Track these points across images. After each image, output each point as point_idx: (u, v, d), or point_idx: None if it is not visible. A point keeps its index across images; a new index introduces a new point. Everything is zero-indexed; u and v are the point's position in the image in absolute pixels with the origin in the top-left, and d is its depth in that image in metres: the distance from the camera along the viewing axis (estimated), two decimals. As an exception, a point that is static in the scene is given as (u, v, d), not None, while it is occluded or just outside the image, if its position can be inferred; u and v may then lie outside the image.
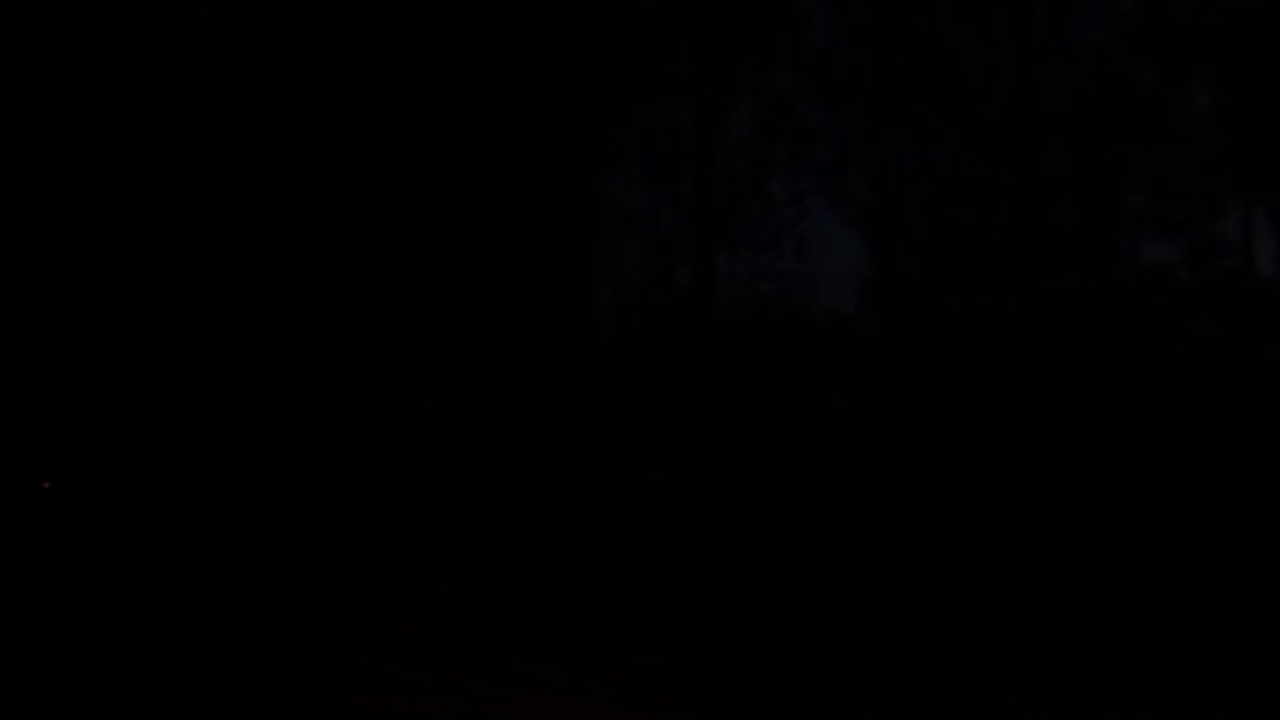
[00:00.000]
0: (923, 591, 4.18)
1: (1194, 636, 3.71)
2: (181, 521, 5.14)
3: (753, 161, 4.19)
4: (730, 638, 4.10)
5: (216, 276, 4.34)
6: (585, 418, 4.23)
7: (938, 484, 4.39)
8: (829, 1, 4.16)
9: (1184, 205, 3.83)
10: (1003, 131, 3.93)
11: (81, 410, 4.59)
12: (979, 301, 4.06)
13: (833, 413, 4.15)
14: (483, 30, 4.46)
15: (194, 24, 4.34)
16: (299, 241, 4.21)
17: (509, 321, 4.34)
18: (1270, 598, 3.88)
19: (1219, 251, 3.80)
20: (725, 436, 4.27)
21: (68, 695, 3.45)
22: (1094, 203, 3.98)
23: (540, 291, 4.41)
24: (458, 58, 4.50)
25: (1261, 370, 3.94)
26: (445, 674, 3.65)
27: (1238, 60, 3.98)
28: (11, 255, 4.46)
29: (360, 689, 3.49)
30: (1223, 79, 3.99)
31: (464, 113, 4.45)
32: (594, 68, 4.52)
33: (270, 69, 4.23)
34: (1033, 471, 4.23)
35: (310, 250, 4.26)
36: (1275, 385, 3.95)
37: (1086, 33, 4.06)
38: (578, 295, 4.30)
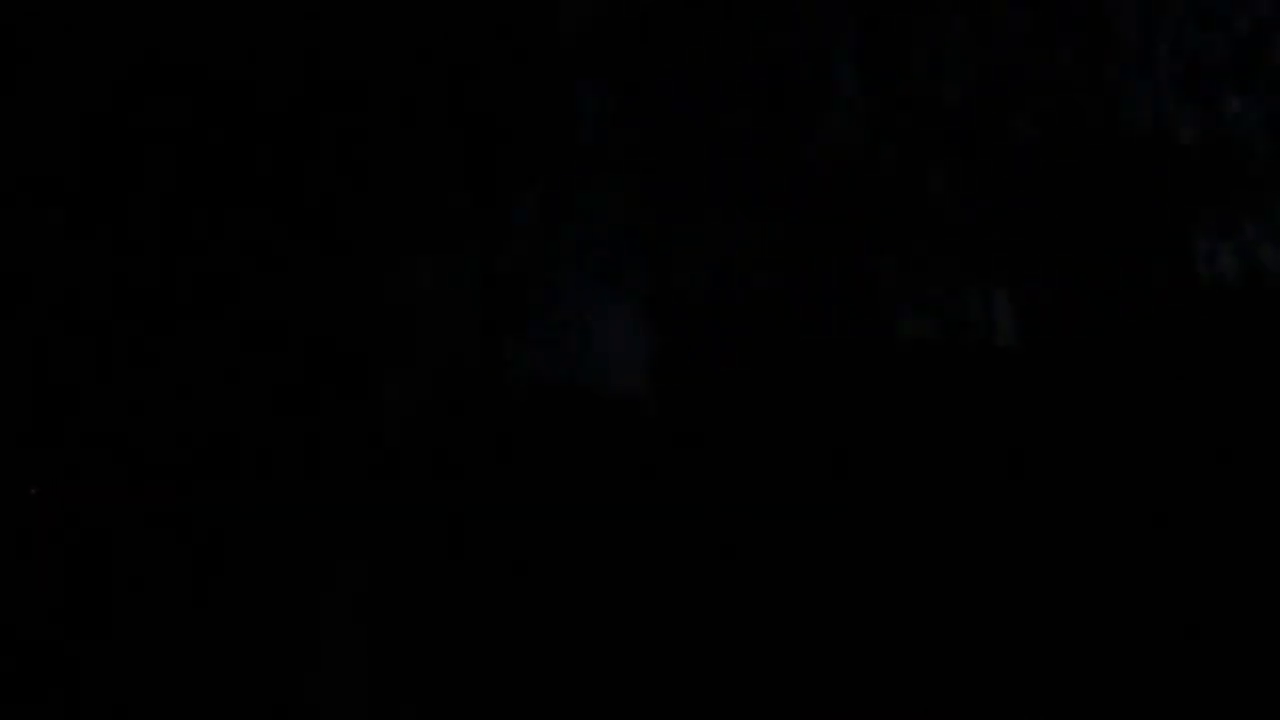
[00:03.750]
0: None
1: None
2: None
3: (536, 251, 4.36)
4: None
5: None
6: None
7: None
8: (599, 90, 4.37)
9: (934, 282, 4.14)
10: (762, 210, 4.21)
11: None
12: (764, 377, 4.30)
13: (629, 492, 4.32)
14: (244, 110, 4.54)
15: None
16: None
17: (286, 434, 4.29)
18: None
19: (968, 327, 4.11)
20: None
21: None
22: (848, 278, 4.30)
23: (317, 401, 4.44)
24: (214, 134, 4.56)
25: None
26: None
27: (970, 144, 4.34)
28: None
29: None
30: (957, 163, 4.34)
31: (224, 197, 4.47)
32: (369, 161, 4.63)
33: None
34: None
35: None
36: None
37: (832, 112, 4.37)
38: (359, 401, 4.38)
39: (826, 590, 4.32)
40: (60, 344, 4.52)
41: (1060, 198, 4.73)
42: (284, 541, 4.45)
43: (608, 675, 4.33)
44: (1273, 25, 4.70)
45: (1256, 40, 4.67)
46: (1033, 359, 4.55)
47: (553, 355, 4.61)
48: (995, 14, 4.69)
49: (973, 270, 4.55)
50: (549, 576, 4.47)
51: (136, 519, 4.38)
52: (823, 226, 4.48)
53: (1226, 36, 4.69)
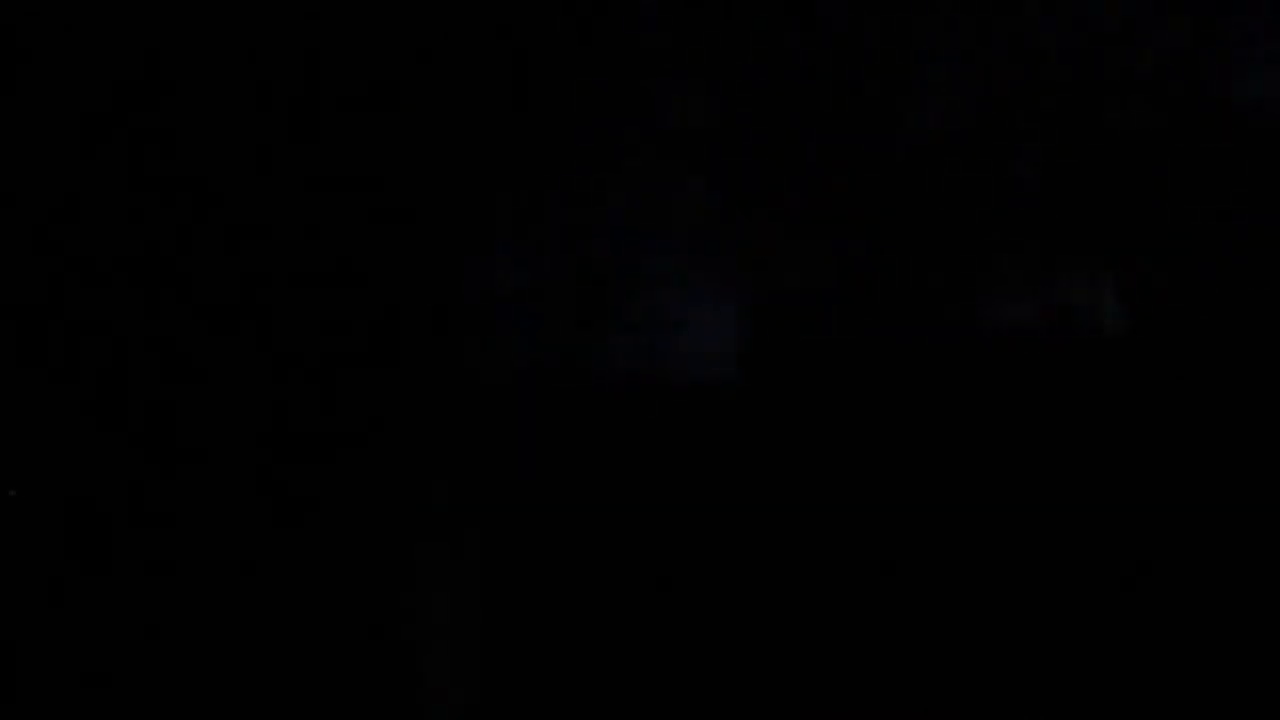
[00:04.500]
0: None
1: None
2: None
3: (626, 243, 4.31)
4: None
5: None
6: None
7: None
8: (688, 81, 4.29)
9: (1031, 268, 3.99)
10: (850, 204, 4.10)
11: None
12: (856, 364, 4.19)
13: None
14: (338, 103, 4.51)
15: None
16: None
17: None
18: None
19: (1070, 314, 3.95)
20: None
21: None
22: (952, 265, 4.16)
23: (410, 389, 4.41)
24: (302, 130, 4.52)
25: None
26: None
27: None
28: None
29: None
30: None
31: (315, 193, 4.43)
32: (460, 153, 4.57)
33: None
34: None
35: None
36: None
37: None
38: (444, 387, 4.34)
39: (917, 579, 4.21)
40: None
41: (1170, 178, 4.57)
42: (405, 521, 4.46)
43: (689, 655, 4.27)
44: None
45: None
46: (1140, 345, 4.39)
47: (641, 347, 4.54)
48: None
49: (1075, 255, 4.40)
50: (640, 559, 4.39)
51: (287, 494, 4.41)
52: (913, 213, 4.36)
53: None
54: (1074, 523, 4.18)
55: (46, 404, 4.50)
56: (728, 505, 4.41)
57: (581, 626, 4.28)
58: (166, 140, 4.55)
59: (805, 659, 4.26)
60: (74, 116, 4.54)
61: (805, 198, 4.55)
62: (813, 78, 4.57)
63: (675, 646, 4.24)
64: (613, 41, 4.59)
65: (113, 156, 4.63)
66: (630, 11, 4.63)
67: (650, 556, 4.44)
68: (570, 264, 4.58)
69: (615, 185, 4.61)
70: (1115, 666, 4.11)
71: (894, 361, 4.36)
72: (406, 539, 4.34)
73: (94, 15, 4.49)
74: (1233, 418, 4.22)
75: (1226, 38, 4.47)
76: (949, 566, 4.28)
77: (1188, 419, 4.31)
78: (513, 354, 4.50)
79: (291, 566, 4.31)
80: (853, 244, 4.45)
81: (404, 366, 4.42)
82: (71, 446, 4.50)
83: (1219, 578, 4.07)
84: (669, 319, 4.50)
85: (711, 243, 4.59)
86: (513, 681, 4.28)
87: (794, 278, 4.60)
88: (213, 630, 4.22)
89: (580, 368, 4.51)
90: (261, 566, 4.33)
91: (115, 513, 4.52)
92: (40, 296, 4.52)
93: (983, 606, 4.29)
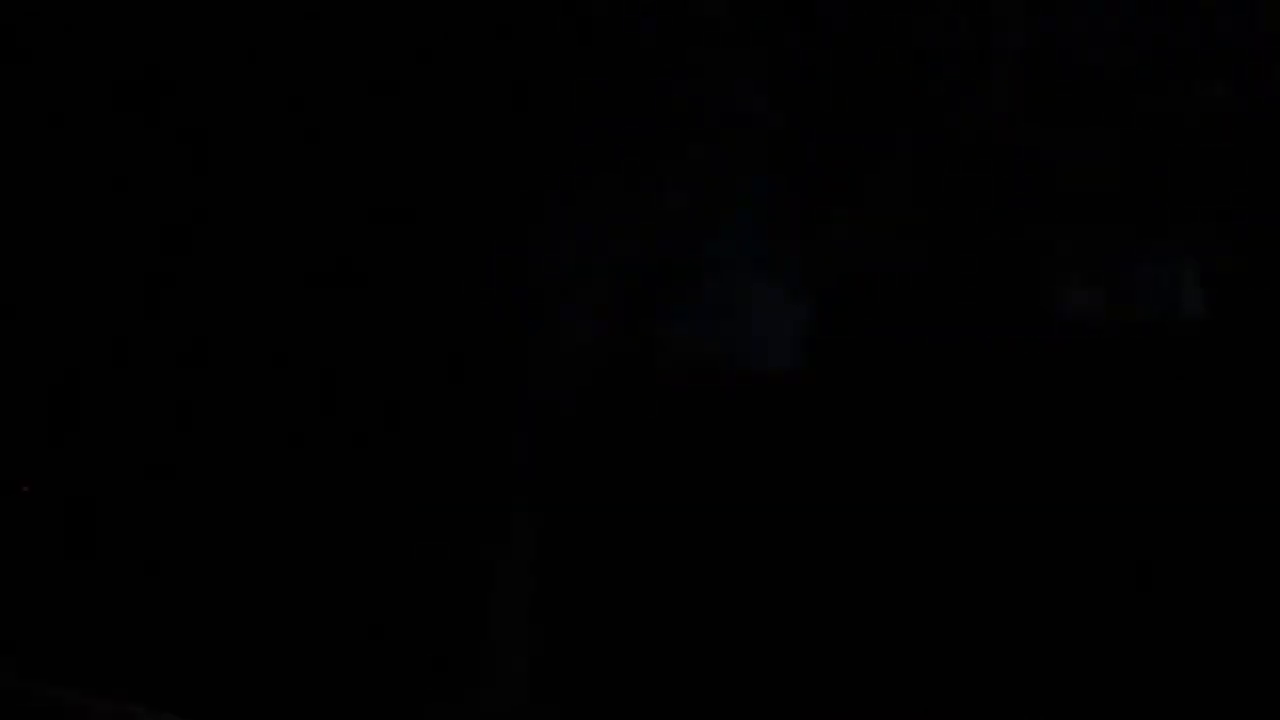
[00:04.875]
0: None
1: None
2: None
3: (687, 229, 4.24)
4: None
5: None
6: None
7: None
8: (753, 70, 4.20)
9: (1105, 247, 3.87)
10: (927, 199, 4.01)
11: None
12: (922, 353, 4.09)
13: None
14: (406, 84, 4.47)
15: None
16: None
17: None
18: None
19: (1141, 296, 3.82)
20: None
21: None
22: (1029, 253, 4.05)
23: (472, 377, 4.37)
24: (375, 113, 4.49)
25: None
26: None
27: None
28: None
29: None
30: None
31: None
32: (516, 137, 4.52)
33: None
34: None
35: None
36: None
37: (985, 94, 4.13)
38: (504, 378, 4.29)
39: (989, 577, 4.11)
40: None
41: (1255, 158, 4.44)
42: (461, 509, 4.46)
43: (746, 647, 4.21)
44: None
45: None
46: (1219, 332, 4.25)
47: (704, 334, 4.46)
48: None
49: (1152, 239, 4.26)
50: (699, 550, 4.34)
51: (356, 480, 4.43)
52: (981, 197, 4.23)
53: None
54: (1151, 517, 4.05)
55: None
56: (793, 499, 4.33)
57: (643, 621, 4.23)
58: (232, 137, 4.53)
59: (872, 656, 4.18)
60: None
61: (873, 182, 4.45)
62: (879, 56, 4.46)
63: (736, 641, 4.17)
64: (673, 22, 4.51)
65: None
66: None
67: (715, 550, 4.37)
68: (632, 251, 4.51)
69: (678, 169, 4.53)
70: (1221, 665, 3.99)
71: (962, 351, 4.25)
72: (465, 532, 4.31)
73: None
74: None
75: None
76: (1023, 564, 4.18)
77: (1271, 410, 4.17)
78: (574, 341, 4.45)
79: (358, 551, 4.30)
80: (922, 229, 4.35)
81: (465, 355, 4.39)
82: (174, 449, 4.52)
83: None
84: (733, 306, 4.43)
85: (777, 229, 4.50)
86: (569, 674, 4.24)
87: (862, 264, 4.51)
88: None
89: (644, 356, 4.45)
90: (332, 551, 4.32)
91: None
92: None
93: (1059, 605, 4.18)
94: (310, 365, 4.37)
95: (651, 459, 4.30)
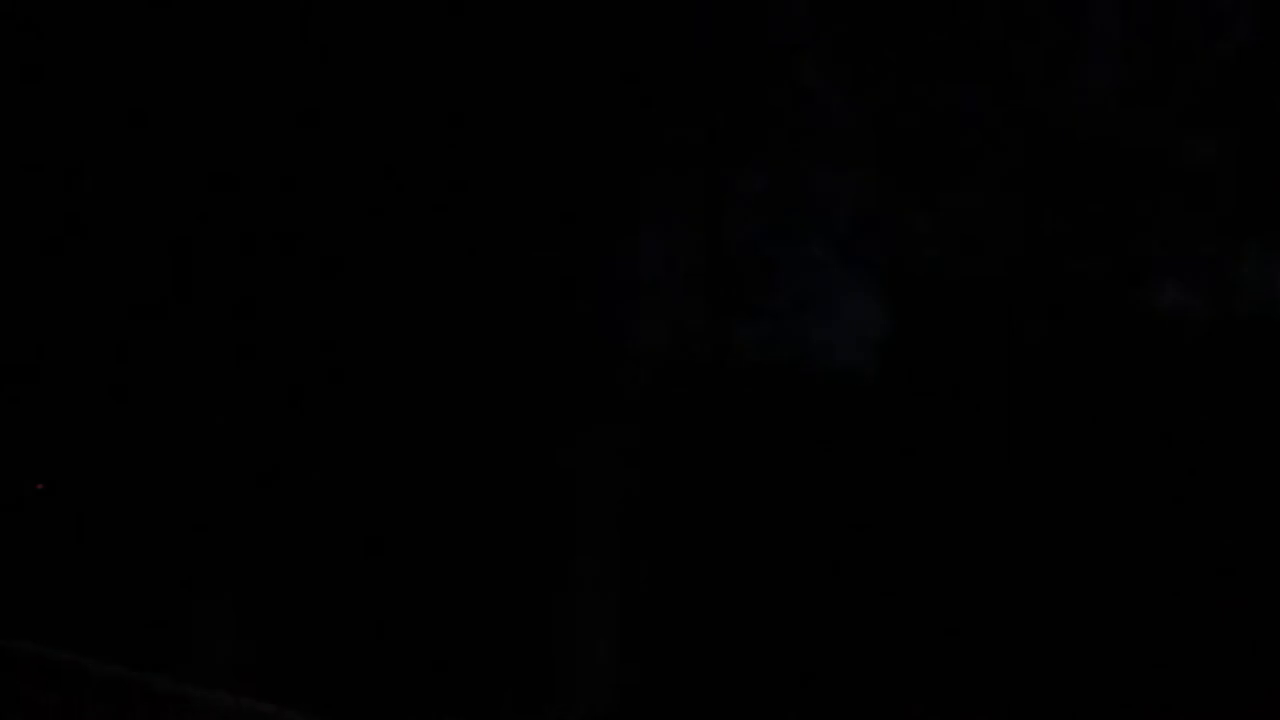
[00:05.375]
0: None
1: None
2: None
3: (767, 227, 4.19)
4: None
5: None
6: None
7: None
8: (833, 70, 4.15)
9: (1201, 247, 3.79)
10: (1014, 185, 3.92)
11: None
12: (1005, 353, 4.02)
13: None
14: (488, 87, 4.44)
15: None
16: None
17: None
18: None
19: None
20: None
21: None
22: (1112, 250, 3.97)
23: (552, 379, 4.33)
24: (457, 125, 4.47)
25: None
26: None
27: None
28: None
29: None
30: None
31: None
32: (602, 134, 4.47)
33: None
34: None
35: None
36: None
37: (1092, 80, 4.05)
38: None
39: (1069, 574, 4.02)
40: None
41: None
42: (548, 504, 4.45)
43: (816, 637, 4.16)
44: None
45: None
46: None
47: (782, 332, 4.39)
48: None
49: (1250, 237, 4.17)
50: (775, 544, 4.28)
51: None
52: (1069, 195, 4.15)
53: None
54: (1241, 510, 3.96)
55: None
56: (873, 495, 4.26)
57: (724, 614, 4.17)
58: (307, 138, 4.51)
59: (953, 650, 4.10)
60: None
61: (961, 183, 4.38)
62: (972, 54, 4.40)
63: (816, 634, 4.10)
64: (758, 25, 4.48)
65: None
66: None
67: (796, 546, 4.31)
68: (714, 250, 4.47)
69: (760, 170, 4.48)
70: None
71: (1046, 347, 4.17)
72: (555, 527, 4.30)
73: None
74: None
75: None
76: (1104, 563, 4.08)
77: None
78: (657, 339, 4.42)
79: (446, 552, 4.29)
80: (1009, 228, 4.27)
81: (551, 353, 4.38)
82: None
83: None
84: (814, 305, 4.37)
85: (858, 229, 4.44)
86: (659, 666, 4.20)
87: (936, 264, 4.44)
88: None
89: (724, 354, 4.41)
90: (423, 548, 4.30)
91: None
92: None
93: (1136, 599, 4.09)
94: (407, 371, 4.36)
95: (750, 464, 4.24)
